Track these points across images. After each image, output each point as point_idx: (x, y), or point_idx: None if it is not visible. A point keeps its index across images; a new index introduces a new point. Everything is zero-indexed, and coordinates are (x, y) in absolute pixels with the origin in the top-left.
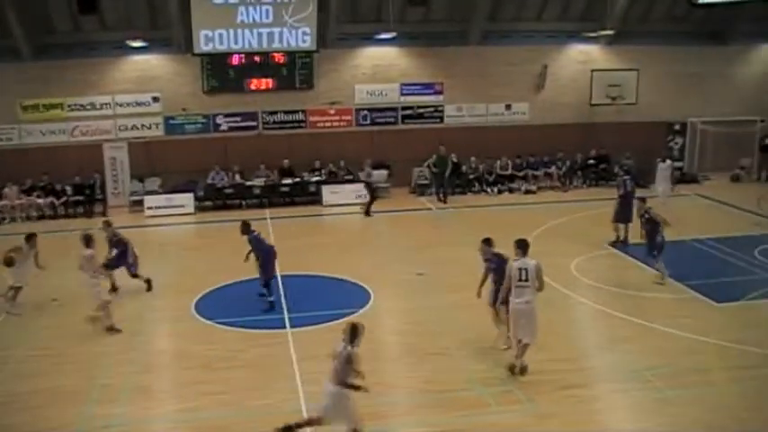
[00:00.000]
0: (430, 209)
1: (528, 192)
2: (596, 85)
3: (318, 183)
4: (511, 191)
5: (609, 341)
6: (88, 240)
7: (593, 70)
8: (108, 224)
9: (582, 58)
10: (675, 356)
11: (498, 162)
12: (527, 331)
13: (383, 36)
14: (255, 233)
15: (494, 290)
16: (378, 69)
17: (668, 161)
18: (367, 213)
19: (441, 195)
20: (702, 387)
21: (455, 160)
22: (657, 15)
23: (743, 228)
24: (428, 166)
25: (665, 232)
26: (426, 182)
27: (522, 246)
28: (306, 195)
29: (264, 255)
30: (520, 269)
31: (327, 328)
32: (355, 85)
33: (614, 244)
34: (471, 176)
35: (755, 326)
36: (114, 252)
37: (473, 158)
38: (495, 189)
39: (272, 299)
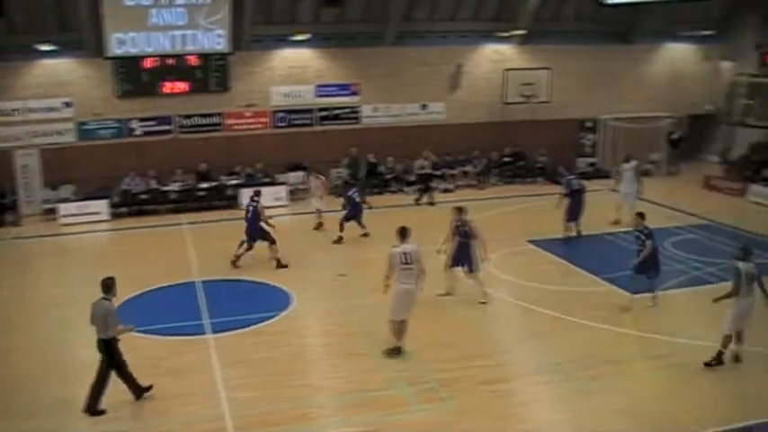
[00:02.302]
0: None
1: (446, 190)
2: (510, 83)
3: (236, 186)
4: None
5: (528, 335)
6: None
7: (506, 69)
8: (256, 194)
9: (495, 58)
10: (594, 348)
11: (416, 162)
12: (409, 310)
13: (298, 38)
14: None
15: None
16: (293, 71)
17: (633, 161)
18: (430, 203)
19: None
20: (621, 376)
21: (373, 160)
22: (567, 15)
23: (655, 221)
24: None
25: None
26: (346, 182)
27: (403, 233)
28: (223, 199)
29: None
30: (404, 253)
31: (249, 332)
32: (271, 87)
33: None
34: (389, 177)
35: (669, 315)
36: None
37: (390, 159)
38: (413, 189)
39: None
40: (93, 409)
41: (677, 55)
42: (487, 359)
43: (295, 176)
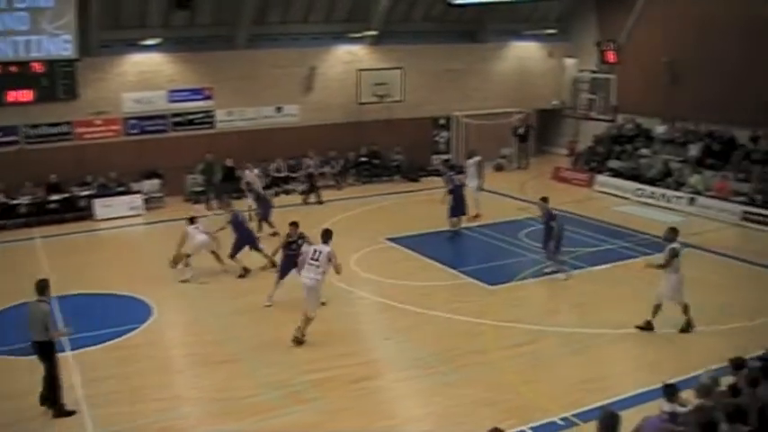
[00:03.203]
0: (206, 215)
1: (303, 192)
2: (364, 84)
3: (89, 197)
4: (287, 192)
5: (391, 332)
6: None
7: (359, 70)
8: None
9: (348, 59)
10: (455, 340)
11: (273, 165)
12: (310, 304)
13: (148, 42)
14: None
15: None
16: (145, 76)
17: (475, 157)
18: (319, 202)
19: (210, 202)
20: (482, 367)
21: (230, 165)
22: (417, 15)
23: (508, 213)
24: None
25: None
26: (202, 188)
27: (323, 235)
28: (76, 211)
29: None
30: (315, 250)
31: (109, 346)
32: (122, 94)
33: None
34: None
35: (526, 304)
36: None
37: (248, 163)
38: (272, 191)
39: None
40: (61, 410)
41: (523, 53)
42: (354, 358)
43: (150, 184)
